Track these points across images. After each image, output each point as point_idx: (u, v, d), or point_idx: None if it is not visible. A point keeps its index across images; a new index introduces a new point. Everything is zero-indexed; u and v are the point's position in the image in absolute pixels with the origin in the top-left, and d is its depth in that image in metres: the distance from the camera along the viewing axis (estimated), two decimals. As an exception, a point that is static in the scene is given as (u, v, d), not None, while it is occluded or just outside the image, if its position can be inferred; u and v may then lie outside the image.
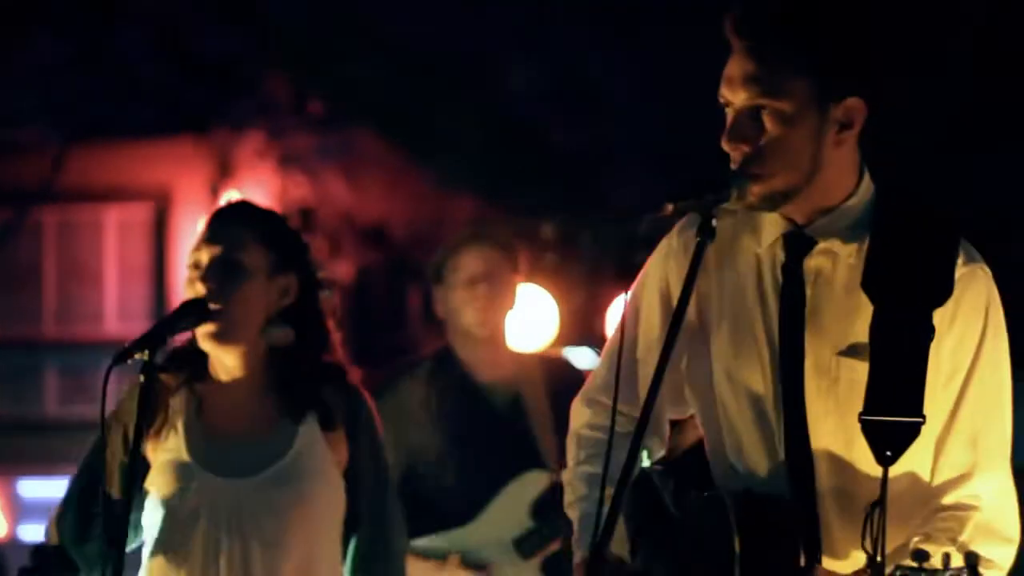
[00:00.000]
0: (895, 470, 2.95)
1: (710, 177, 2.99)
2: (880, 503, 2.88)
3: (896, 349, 2.94)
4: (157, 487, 3.71)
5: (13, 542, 17.88)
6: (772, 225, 3.08)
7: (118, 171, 18.35)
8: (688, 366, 3.17)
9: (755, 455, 3.06)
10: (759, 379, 3.06)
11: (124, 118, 17.15)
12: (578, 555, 3.14)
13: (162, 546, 3.70)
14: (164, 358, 3.76)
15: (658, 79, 12.24)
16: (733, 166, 3.01)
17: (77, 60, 15.86)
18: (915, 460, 2.99)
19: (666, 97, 12.03)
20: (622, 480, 2.83)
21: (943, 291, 2.97)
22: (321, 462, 3.73)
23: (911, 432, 2.92)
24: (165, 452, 3.72)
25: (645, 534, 3.08)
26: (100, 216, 18.93)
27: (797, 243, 3.05)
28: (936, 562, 2.63)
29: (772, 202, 3.02)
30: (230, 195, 17.12)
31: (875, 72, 3.03)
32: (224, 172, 17.62)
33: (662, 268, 3.22)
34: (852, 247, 3.04)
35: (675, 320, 2.92)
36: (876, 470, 2.95)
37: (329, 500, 3.74)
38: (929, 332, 2.94)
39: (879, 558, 2.85)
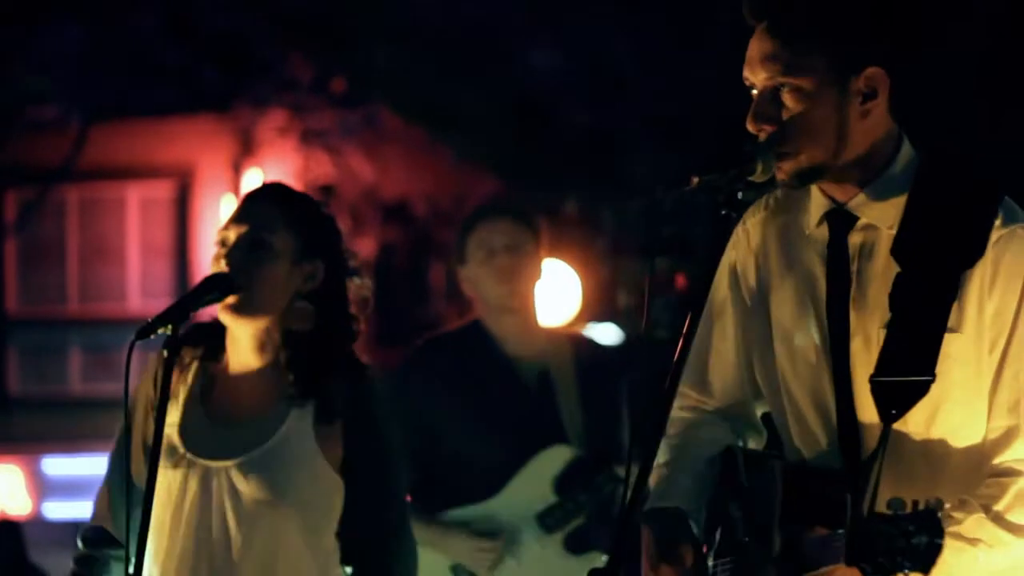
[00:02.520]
0: (954, 441, 2.99)
1: (733, 151, 2.99)
2: (876, 456, 2.91)
3: (915, 309, 2.96)
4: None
5: (38, 519, 17.96)
6: (817, 205, 3.10)
7: (140, 149, 18.38)
8: (756, 353, 3.20)
9: (812, 431, 3.09)
10: (813, 358, 3.08)
11: (146, 97, 17.18)
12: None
13: (155, 528, 3.67)
14: (184, 331, 3.74)
15: (677, 56, 12.22)
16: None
17: (99, 40, 15.88)
18: (967, 428, 3.01)
19: (684, 74, 12.02)
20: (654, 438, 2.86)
21: (974, 252, 2.97)
22: (305, 454, 3.69)
23: (919, 390, 2.94)
24: (166, 427, 3.70)
25: (713, 501, 3.13)
26: (122, 194, 18.98)
27: (839, 220, 3.07)
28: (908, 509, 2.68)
29: (802, 179, 3.03)
30: (252, 173, 17.18)
31: (895, 38, 3.03)
32: (246, 150, 17.64)
33: (731, 256, 3.24)
34: (893, 218, 3.04)
35: (699, 295, 2.93)
36: (922, 436, 2.99)
37: (308, 493, 3.70)
38: (952, 292, 2.95)
39: (866, 511, 2.88)
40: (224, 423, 3.73)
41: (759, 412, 3.29)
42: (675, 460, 3.20)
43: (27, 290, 19.08)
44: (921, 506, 2.68)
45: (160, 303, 14.84)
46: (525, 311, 5.09)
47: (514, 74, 13.48)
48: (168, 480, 3.67)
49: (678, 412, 3.25)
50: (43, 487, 18.54)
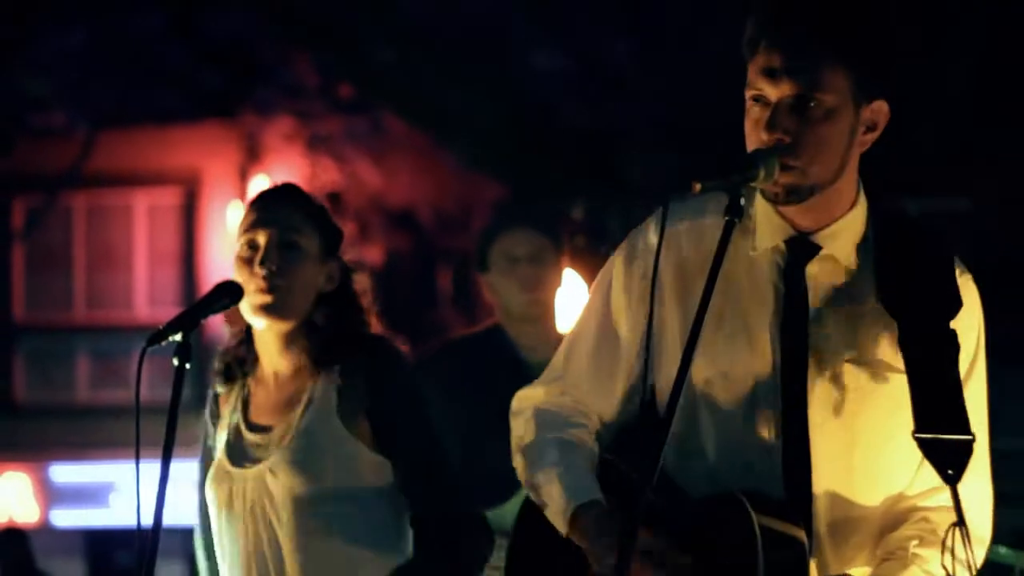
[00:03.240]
0: (866, 490, 3.00)
1: (736, 156, 2.99)
2: (960, 523, 2.89)
3: (931, 365, 2.96)
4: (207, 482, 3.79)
5: (45, 526, 17.98)
6: (771, 228, 3.06)
7: (147, 156, 18.42)
8: (658, 367, 3.12)
9: (747, 456, 3.03)
10: (759, 380, 3.03)
11: (152, 103, 17.22)
12: (568, 505, 3.10)
13: (215, 540, 3.78)
14: (216, 373, 3.81)
15: (681, 60, 12.24)
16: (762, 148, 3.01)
17: (104, 46, 15.91)
18: (890, 477, 3.02)
19: (686, 77, 12.03)
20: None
21: (955, 303, 3.00)
22: (331, 440, 3.71)
23: (966, 450, 2.93)
24: (215, 447, 3.80)
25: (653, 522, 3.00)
26: (129, 201, 19.01)
27: (801, 248, 3.04)
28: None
29: (795, 195, 2.99)
30: (259, 179, 17.20)
31: (898, 76, 3.06)
32: (252, 156, 17.67)
33: (627, 269, 3.18)
34: (853, 257, 3.04)
35: (699, 313, 2.87)
36: (873, 478, 2.99)
37: (345, 477, 3.73)
38: (956, 345, 2.97)
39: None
40: (258, 429, 3.76)
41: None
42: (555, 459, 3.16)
43: (34, 297, 19.11)
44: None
45: (167, 310, 14.87)
46: (545, 319, 5.14)
47: (519, 79, 13.49)
48: (216, 496, 3.74)
49: (549, 403, 3.23)
50: (50, 494, 18.56)
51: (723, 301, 3.05)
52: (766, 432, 3.02)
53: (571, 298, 7.13)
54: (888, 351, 3.00)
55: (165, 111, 17.49)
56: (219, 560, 3.79)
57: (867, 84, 2.99)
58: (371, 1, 13.39)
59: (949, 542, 2.91)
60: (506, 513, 4.99)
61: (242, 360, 3.81)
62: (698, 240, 3.11)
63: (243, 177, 17.86)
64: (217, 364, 3.83)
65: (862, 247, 3.05)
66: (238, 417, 3.79)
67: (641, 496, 2.76)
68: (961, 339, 2.99)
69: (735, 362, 3.04)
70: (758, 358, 3.03)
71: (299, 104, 16.84)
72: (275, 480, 3.68)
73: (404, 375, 3.80)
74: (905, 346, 2.97)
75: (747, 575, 2.90)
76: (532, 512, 3.19)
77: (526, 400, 3.32)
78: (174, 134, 18.27)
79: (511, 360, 5.08)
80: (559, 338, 5.16)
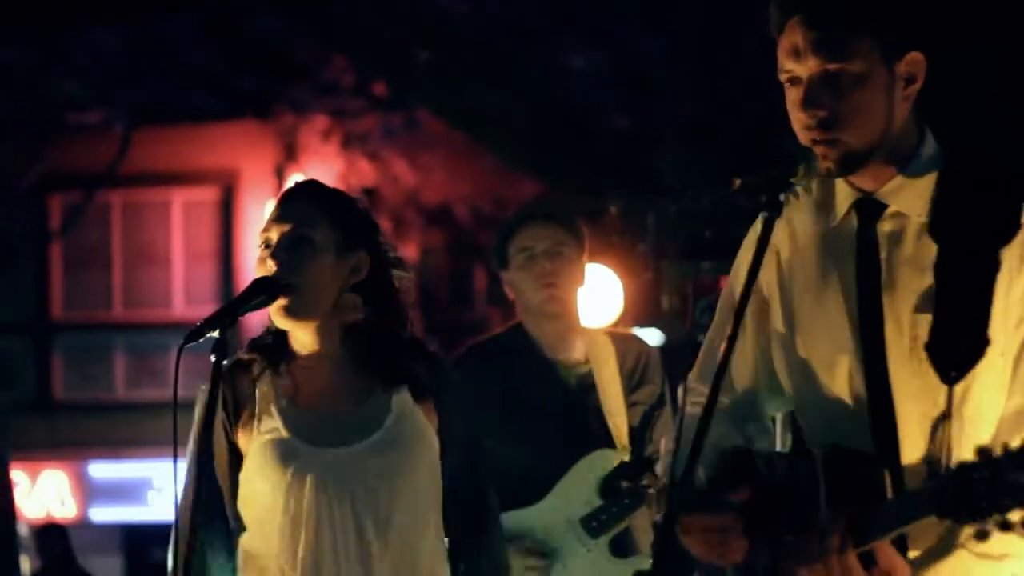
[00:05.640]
0: (978, 416, 3.01)
1: (774, 152, 3.01)
2: (947, 415, 2.93)
3: (961, 283, 3.00)
4: (258, 467, 3.71)
5: (84, 523, 18.06)
6: (843, 195, 3.13)
7: (184, 154, 18.47)
8: (776, 350, 3.22)
9: (840, 417, 3.10)
10: (842, 349, 3.10)
11: (188, 102, 17.27)
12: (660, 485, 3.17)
13: (265, 521, 3.70)
14: (244, 350, 3.78)
15: (714, 59, 12.20)
16: (803, 139, 3.04)
17: (141, 46, 15.96)
18: (985, 404, 3.03)
19: (720, 77, 12.00)
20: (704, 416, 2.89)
21: (1009, 230, 3.01)
22: (420, 428, 3.73)
23: (976, 352, 2.97)
24: (264, 435, 3.72)
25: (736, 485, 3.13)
26: (167, 199, 19.06)
27: (868, 209, 3.10)
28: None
29: (849, 164, 3.05)
30: (295, 177, 17.24)
31: (930, 25, 3.07)
32: (289, 155, 17.71)
33: (744, 255, 3.27)
34: (921, 205, 3.08)
35: (743, 296, 2.94)
36: (958, 429, 3.00)
37: (432, 465, 3.75)
38: (995, 265, 2.99)
39: (943, 468, 2.90)
40: (324, 413, 3.73)
41: (772, 411, 3.31)
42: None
43: (72, 295, 19.19)
44: (1000, 451, 2.70)
45: (204, 308, 14.92)
46: (567, 315, 5.07)
47: (554, 78, 13.48)
48: (283, 472, 3.68)
49: (689, 408, 3.27)
50: (89, 491, 18.63)
51: (813, 275, 3.13)
52: (857, 402, 3.08)
53: (603, 295, 7.12)
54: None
55: (202, 110, 17.55)
56: (253, 529, 3.72)
57: (894, 42, 3.03)
58: (406, 0, 13.40)
59: (939, 434, 2.96)
60: (538, 514, 4.99)
61: (274, 348, 3.79)
62: (792, 232, 3.19)
63: (279, 175, 17.89)
64: (248, 345, 3.79)
65: (932, 194, 3.08)
66: (291, 405, 3.74)
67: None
68: (1012, 270, 3.00)
69: (821, 337, 3.12)
70: (840, 328, 3.09)
71: (335, 103, 16.87)
72: (374, 462, 3.67)
73: (458, 389, 3.86)
74: (939, 267, 3.02)
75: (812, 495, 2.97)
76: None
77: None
78: (211, 133, 18.32)
79: (534, 359, 5.04)
80: (582, 334, 5.16)
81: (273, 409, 3.72)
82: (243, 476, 3.74)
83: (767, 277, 3.21)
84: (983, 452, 2.70)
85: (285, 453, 3.69)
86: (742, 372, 3.27)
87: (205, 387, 3.59)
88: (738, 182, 2.94)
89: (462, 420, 3.83)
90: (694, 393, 3.28)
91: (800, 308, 3.16)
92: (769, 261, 3.17)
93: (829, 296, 3.13)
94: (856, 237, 3.11)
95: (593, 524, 4.95)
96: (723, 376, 2.91)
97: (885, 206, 3.09)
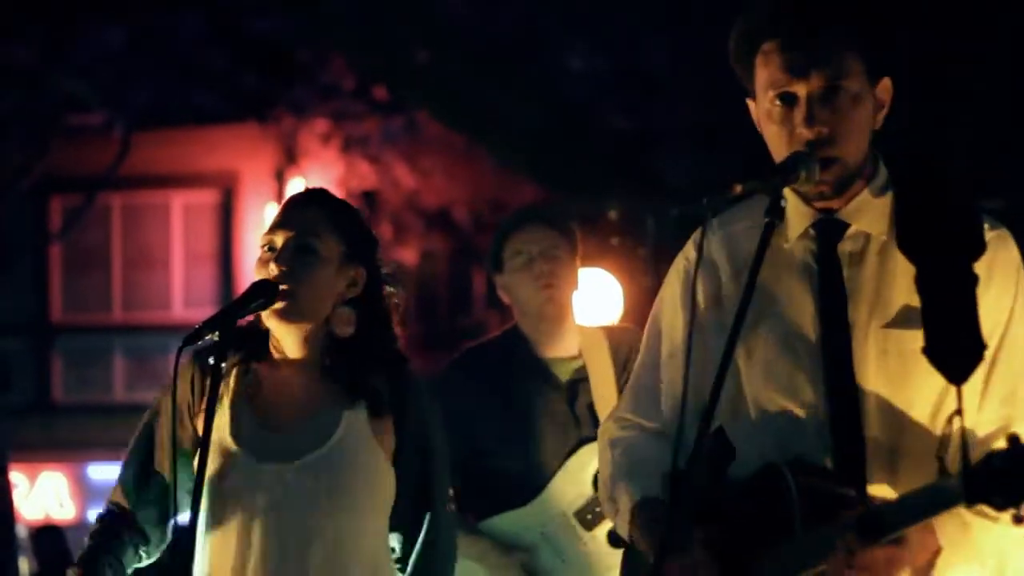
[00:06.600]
0: (938, 429, 3.01)
1: (769, 159, 3.02)
2: (958, 412, 2.91)
3: (946, 298, 2.99)
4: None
5: (82, 525, 18.06)
6: (799, 217, 3.12)
7: (184, 157, 18.48)
8: (708, 364, 3.14)
9: (800, 440, 3.07)
10: (799, 366, 3.08)
11: (189, 104, 17.27)
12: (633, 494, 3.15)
13: (207, 527, 3.71)
14: (228, 336, 3.76)
15: (716, 61, 12.20)
16: (801, 148, 3.03)
17: (142, 47, 15.97)
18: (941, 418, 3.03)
19: (721, 79, 12.01)
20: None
21: (977, 246, 3.03)
22: (364, 452, 3.71)
23: (976, 355, 2.96)
24: (214, 431, 3.71)
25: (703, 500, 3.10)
26: (166, 201, 19.07)
27: (829, 229, 3.10)
28: None
29: (842, 185, 3.07)
30: (295, 180, 17.25)
31: (898, 52, 3.11)
32: (289, 158, 17.71)
33: (681, 282, 3.26)
34: (883, 224, 3.09)
35: (739, 314, 2.93)
36: (929, 450, 3.00)
37: (370, 490, 3.72)
38: (973, 279, 3.00)
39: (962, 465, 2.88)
40: (276, 426, 3.74)
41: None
42: (625, 472, 3.25)
43: (71, 297, 19.20)
44: None
45: (204, 310, 14.92)
46: (562, 318, 5.07)
47: (555, 80, 13.49)
48: (216, 482, 3.69)
49: (618, 432, 3.30)
50: (88, 493, 18.63)
51: (763, 302, 3.09)
52: (816, 422, 3.06)
53: (603, 298, 7.12)
54: (913, 296, 3.04)
55: (202, 112, 17.55)
56: (203, 530, 3.70)
57: (876, 63, 3.06)
58: (407, 2, 13.40)
59: (948, 431, 2.95)
60: (534, 511, 5.00)
61: (254, 343, 3.79)
62: (731, 249, 3.18)
63: (279, 178, 17.90)
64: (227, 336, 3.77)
65: (889, 212, 3.09)
66: (243, 406, 3.73)
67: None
68: (990, 288, 3.02)
69: (781, 358, 3.09)
70: (803, 349, 3.07)
71: (335, 105, 16.87)
72: (306, 482, 3.66)
73: (422, 400, 3.82)
74: (921, 283, 3.02)
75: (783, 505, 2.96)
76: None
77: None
78: (211, 135, 18.33)
79: (530, 362, 5.05)
80: (576, 332, 5.16)
81: (227, 404, 3.73)
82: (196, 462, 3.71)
83: (705, 292, 3.19)
84: (1013, 440, 2.69)
85: (224, 460, 3.69)
86: (674, 403, 3.22)
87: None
88: (739, 187, 2.94)
89: (425, 436, 3.79)
90: (620, 420, 3.30)
91: (751, 332, 3.10)
92: (708, 276, 3.18)
93: (785, 314, 3.10)
94: (816, 257, 3.10)
95: (588, 516, 4.95)
96: (720, 388, 2.88)
97: (847, 225, 3.09)
